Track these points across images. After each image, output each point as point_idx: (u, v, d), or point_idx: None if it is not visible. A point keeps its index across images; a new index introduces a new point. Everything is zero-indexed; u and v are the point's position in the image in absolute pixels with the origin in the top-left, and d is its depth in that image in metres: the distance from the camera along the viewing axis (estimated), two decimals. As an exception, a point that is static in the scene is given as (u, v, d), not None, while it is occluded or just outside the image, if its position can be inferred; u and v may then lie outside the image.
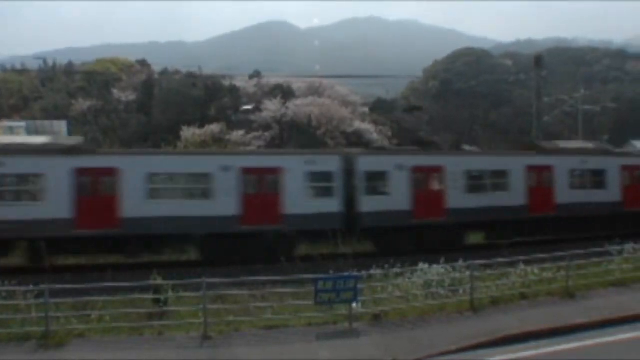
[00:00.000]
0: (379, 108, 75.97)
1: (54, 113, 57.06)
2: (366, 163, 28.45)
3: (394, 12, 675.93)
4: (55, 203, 24.10)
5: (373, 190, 28.21)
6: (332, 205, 27.35)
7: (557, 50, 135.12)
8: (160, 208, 25.22)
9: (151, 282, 17.15)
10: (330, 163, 27.92)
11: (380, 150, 32.36)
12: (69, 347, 14.62)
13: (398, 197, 28.30)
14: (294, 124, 55.05)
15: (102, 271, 22.02)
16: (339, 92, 64.45)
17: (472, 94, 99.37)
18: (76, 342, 14.90)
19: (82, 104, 61.54)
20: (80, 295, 16.13)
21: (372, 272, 18.37)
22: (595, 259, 20.96)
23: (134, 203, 24.87)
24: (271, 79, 69.08)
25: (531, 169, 31.27)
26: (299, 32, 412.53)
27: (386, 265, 18.70)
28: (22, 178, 25.01)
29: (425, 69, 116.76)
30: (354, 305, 16.43)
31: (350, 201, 27.88)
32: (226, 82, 65.94)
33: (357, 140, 53.70)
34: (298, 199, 26.85)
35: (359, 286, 16.54)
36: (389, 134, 58.33)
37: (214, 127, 50.96)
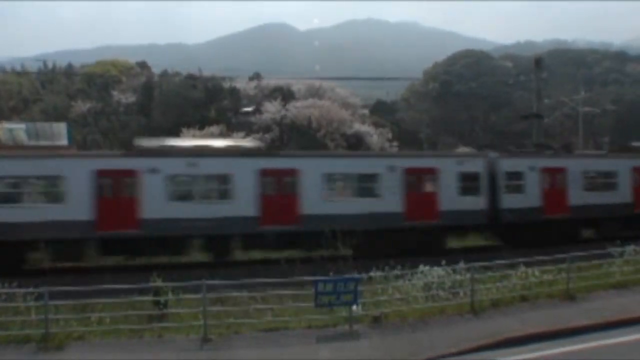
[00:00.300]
0: (379, 110, 76.03)
1: (54, 115, 57.08)
2: (506, 164, 30.97)
3: (393, 14, 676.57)
4: (243, 201, 26.05)
5: (511, 189, 30.66)
6: (478, 202, 29.66)
7: (557, 52, 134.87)
8: (335, 206, 27.21)
9: (151, 284, 17.09)
10: (477, 164, 30.25)
11: (515, 152, 34.54)
12: (69, 349, 14.56)
13: (531, 195, 30.91)
14: (294, 125, 55.07)
15: (102, 273, 21.98)
16: (339, 94, 64.51)
17: (472, 96, 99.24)
18: (75, 344, 14.84)
19: (82, 106, 61.59)
20: (80, 298, 16.09)
21: (372, 274, 18.33)
22: (596, 261, 20.86)
23: (312, 201, 26.78)
24: (271, 81, 69.08)
25: (635, 170, 33.76)
26: (298, 33, 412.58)
27: (386, 267, 18.67)
28: (213, 178, 26.66)
29: (425, 71, 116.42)
30: (354, 307, 16.37)
31: (491, 199, 30.17)
32: (226, 84, 65.97)
33: (357, 142, 53.69)
34: (451, 197, 29.11)
35: (359, 288, 16.50)
36: (389, 135, 58.34)
37: (214, 129, 51.01)
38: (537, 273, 19.36)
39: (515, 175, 30.75)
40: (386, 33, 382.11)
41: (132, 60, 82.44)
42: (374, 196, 28.00)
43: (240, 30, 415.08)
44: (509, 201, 30.24)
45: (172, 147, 27.10)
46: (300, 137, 52.47)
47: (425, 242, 27.87)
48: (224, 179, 26.28)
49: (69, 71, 76.67)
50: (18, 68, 78.31)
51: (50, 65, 78.74)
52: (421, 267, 18.59)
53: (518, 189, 30.70)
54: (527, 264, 19.63)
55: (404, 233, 27.80)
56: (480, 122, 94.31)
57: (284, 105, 57.04)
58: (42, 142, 39.38)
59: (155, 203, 24.91)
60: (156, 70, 76.18)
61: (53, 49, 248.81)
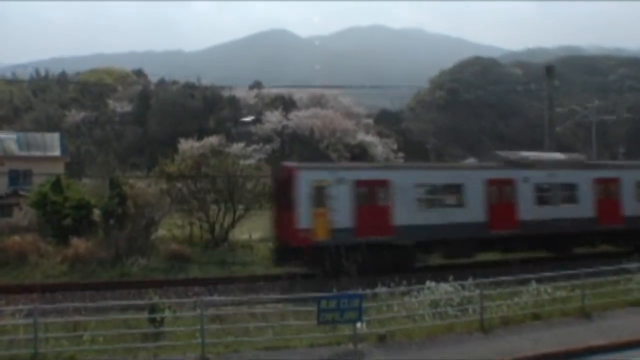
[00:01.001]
0: (384, 119, 75.75)
1: (46, 124, 56.97)
2: None
3: (397, 20, 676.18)
4: (584, 205, 31.13)
5: None
6: None
7: (569, 59, 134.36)
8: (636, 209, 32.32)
9: (147, 301, 16.52)
10: None
11: None
12: (58, 371, 13.98)
13: None
14: (295, 136, 54.78)
15: (96, 289, 21.39)
16: (342, 103, 64.36)
17: (480, 104, 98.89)
18: (66, 365, 14.23)
19: (76, 115, 61.54)
20: (72, 315, 15.49)
21: (377, 290, 17.89)
22: (612, 277, 20.35)
23: (630, 204, 32.11)
24: (272, 90, 68.86)
25: None
26: (299, 40, 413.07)
27: (392, 284, 18.12)
28: (564, 186, 31.38)
29: (432, 79, 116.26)
30: (359, 325, 15.92)
31: None
32: (225, 93, 65.87)
33: (361, 152, 53.35)
34: None
35: (364, 305, 15.98)
36: (394, 146, 58.00)
37: (213, 140, 50.47)
38: (549, 290, 18.86)
39: None
40: (390, 40, 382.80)
41: (128, 68, 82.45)
42: None
43: (240, 37, 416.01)
44: None
45: (536, 160, 32.33)
46: (303, 147, 52.09)
47: None
48: (571, 187, 31.34)
49: (62, 79, 76.59)
50: (9, 75, 78.09)
51: (42, 73, 78.77)
52: (428, 283, 18.05)
53: None
54: (539, 280, 19.05)
55: None
56: (489, 132, 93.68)
57: (286, 115, 56.77)
58: (34, 153, 38.96)
59: (527, 207, 29.74)
60: (153, 78, 76.26)
61: (46, 56, 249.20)
